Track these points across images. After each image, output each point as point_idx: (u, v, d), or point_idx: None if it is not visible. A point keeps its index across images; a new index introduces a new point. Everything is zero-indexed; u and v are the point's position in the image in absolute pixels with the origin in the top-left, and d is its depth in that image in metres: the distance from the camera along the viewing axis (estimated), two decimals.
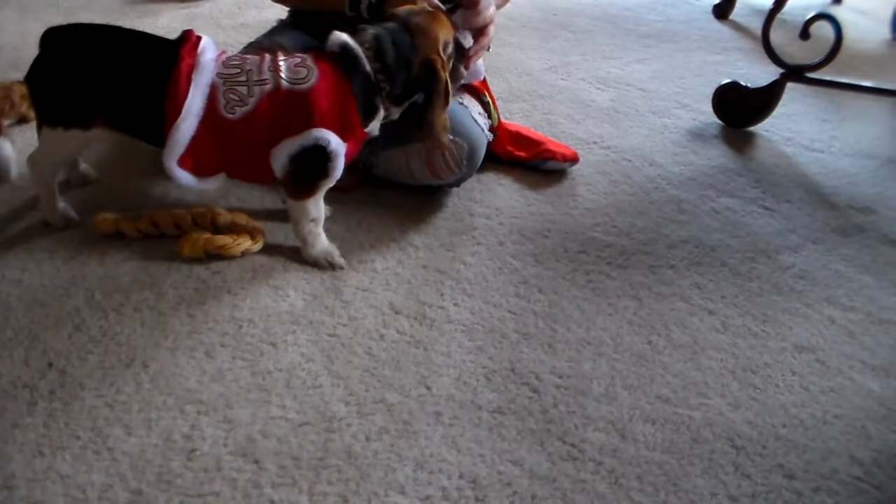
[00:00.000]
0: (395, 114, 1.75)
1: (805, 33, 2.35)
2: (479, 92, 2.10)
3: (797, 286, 1.82)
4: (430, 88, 1.68)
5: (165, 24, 2.97)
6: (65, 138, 1.65)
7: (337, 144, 1.61)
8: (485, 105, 2.09)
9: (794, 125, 2.61)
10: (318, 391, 1.42)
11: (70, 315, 1.55)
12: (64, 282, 1.63)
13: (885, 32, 3.62)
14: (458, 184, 1.98)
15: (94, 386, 1.39)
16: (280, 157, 1.61)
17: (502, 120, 2.19)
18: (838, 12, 3.65)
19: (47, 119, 1.66)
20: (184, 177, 1.61)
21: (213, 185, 1.67)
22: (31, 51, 2.36)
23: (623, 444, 1.38)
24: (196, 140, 1.58)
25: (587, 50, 3.13)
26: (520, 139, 2.20)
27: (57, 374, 1.41)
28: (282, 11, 2.22)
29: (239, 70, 1.62)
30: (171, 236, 1.76)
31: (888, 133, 2.65)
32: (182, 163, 1.60)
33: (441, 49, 1.69)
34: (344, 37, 1.65)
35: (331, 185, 1.69)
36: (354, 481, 1.27)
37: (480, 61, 2.08)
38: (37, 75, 1.66)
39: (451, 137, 1.86)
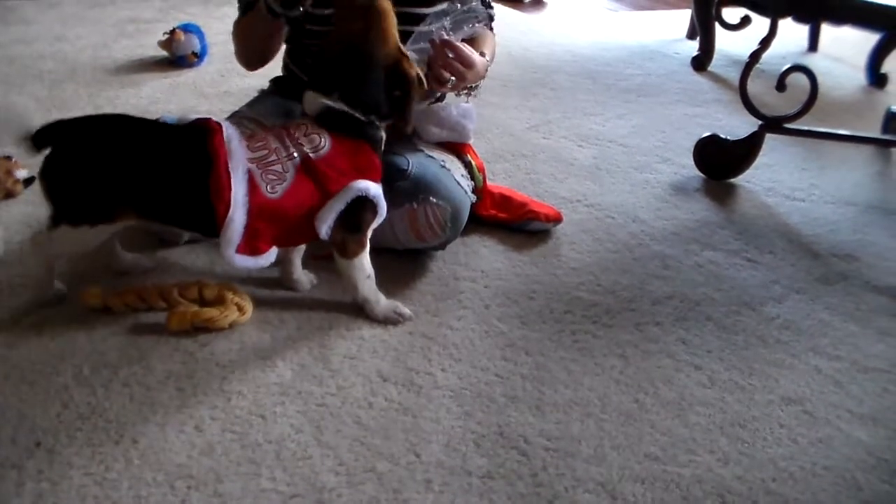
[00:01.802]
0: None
1: (781, 85, 2.39)
2: (461, 153, 2.11)
3: (782, 337, 1.83)
4: (403, 90, 1.71)
5: (148, 94, 2.99)
6: (88, 234, 1.66)
7: (376, 188, 1.69)
8: (468, 166, 2.10)
9: (775, 175, 2.63)
10: (307, 462, 1.42)
11: (58, 392, 1.55)
12: (52, 358, 1.63)
13: (861, 78, 3.67)
14: (442, 247, 2.00)
15: (82, 464, 1.39)
16: (327, 219, 1.66)
17: (487, 183, 2.20)
18: (814, 60, 3.72)
19: (70, 217, 1.65)
20: (243, 261, 1.65)
21: (269, 260, 1.69)
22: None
23: None
24: (248, 226, 1.61)
25: (567, 107, 3.16)
26: (503, 201, 2.21)
27: (45, 453, 1.41)
28: (264, 80, 2.25)
29: (266, 150, 1.65)
30: (158, 310, 1.76)
31: (867, 179, 2.68)
32: (239, 249, 1.63)
33: (398, 42, 1.72)
34: (319, 99, 1.69)
35: (376, 226, 1.75)
36: None
37: (471, 124, 2.10)
38: (54, 173, 1.65)
39: (433, 200, 1.87)
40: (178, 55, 3.31)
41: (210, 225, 1.60)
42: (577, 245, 2.16)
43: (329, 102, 1.68)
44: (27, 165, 2.28)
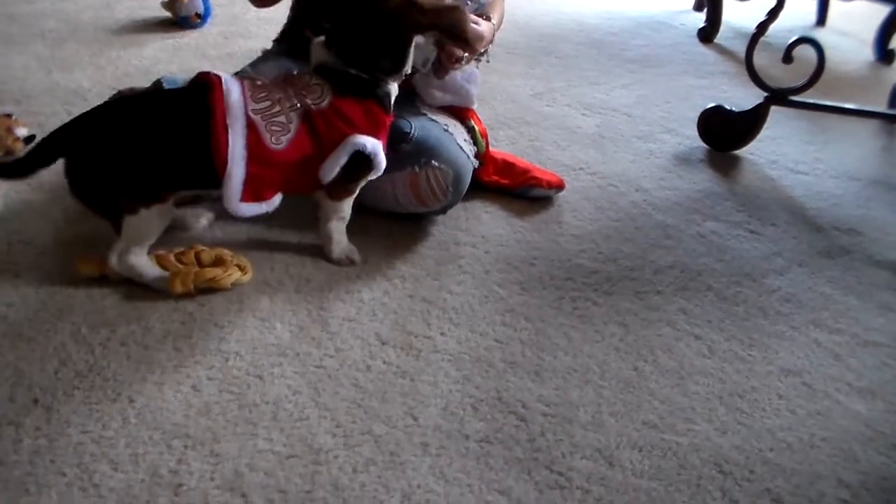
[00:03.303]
0: (407, 70, 1.78)
1: (788, 57, 2.37)
2: (465, 118, 2.10)
3: (783, 309, 1.83)
4: (404, 34, 1.71)
5: (151, 55, 2.97)
6: (148, 218, 1.65)
7: (373, 145, 1.71)
8: (471, 131, 2.09)
9: (779, 148, 2.62)
10: (304, 423, 1.42)
11: (56, 350, 1.54)
12: (50, 316, 1.63)
13: (869, 54, 3.65)
14: (443, 211, 1.99)
15: (80, 422, 1.39)
16: (331, 169, 1.70)
17: (490, 148, 2.19)
18: (821, 34, 3.68)
19: (124, 208, 1.65)
20: (248, 210, 1.67)
21: (274, 205, 1.72)
22: (18, 83, 2.37)
23: (610, 471, 1.38)
24: (250, 177, 1.63)
25: (572, 76, 3.14)
26: (506, 167, 2.20)
27: (43, 411, 1.41)
28: (267, 41, 2.24)
29: (270, 101, 1.66)
30: None
31: (872, 154, 2.66)
32: (244, 198, 1.65)
33: None
34: (321, 52, 1.72)
35: (371, 178, 1.78)
36: None
37: (474, 89, 2.09)
38: (82, 184, 1.65)
39: (435, 164, 1.86)
40: (181, 16, 3.29)
41: (215, 180, 1.61)
42: (579, 213, 2.15)
43: (326, 59, 1.71)
44: (27, 123, 2.27)
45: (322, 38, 1.73)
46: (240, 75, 1.99)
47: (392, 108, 1.79)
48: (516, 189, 2.18)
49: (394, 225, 1.97)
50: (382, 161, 1.74)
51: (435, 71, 1.95)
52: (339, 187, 1.77)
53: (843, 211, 2.27)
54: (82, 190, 1.65)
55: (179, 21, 3.30)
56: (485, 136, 2.14)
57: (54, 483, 1.28)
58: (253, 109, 1.64)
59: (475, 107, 2.14)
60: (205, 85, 1.65)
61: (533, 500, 1.31)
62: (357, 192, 1.81)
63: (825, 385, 1.62)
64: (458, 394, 1.51)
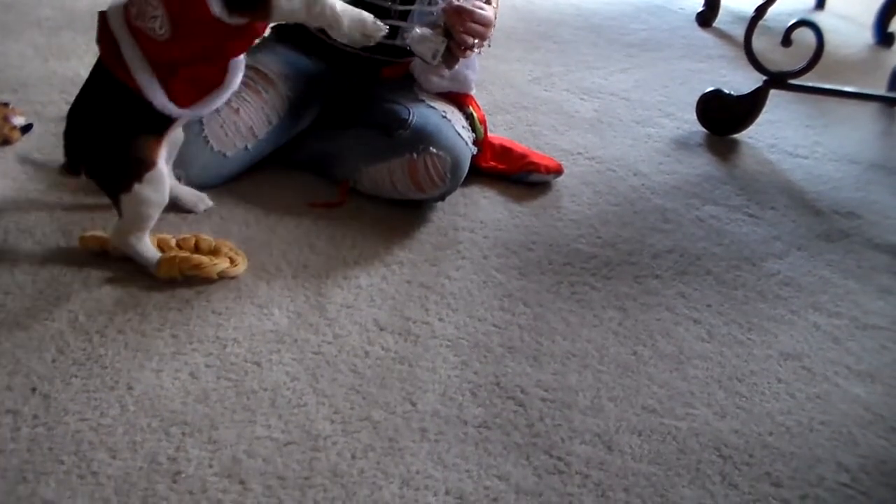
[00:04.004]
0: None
1: (787, 40, 2.36)
2: (463, 104, 2.10)
3: (782, 293, 1.83)
4: None
5: None
6: (141, 193, 1.64)
7: None
8: (469, 118, 2.08)
9: (778, 132, 2.61)
10: (303, 410, 1.42)
11: (53, 338, 1.54)
12: (47, 305, 1.62)
13: (868, 36, 3.64)
14: (441, 198, 1.98)
15: (77, 410, 1.39)
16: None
17: (488, 134, 2.18)
18: (820, 18, 3.68)
19: (115, 189, 1.66)
20: (195, 112, 1.67)
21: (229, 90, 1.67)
22: (13, 72, 2.36)
23: (610, 456, 1.38)
24: (166, 77, 1.58)
25: (570, 60, 3.13)
26: (503, 152, 2.20)
27: (40, 399, 1.40)
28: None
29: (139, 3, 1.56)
30: None
31: (871, 137, 2.66)
32: (181, 102, 1.61)
33: None
34: None
35: None
36: (340, 500, 1.26)
37: (473, 74, 2.08)
38: (82, 151, 1.67)
39: (433, 151, 1.86)
40: None
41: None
42: (578, 197, 2.15)
43: None
44: (24, 112, 2.26)
45: None
46: None
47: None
48: (514, 174, 2.17)
49: (391, 210, 1.97)
50: None
51: (445, 61, 1.93)
52: None
53: (843, 194, 2.27)
54: (82, 168, 1.68)
55: None
56: (483, 122, 2.13)
57: (52, 471, 1.28)
58: (131, 16, 1.56)
59: (473, 93, 2.13)
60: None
61: (532, 485, 1.31)
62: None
63: (824, 368, 1.62)
64: (456, 379, 1.51)
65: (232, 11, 1.52)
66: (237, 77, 1.68)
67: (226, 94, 1.68)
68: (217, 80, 1.65)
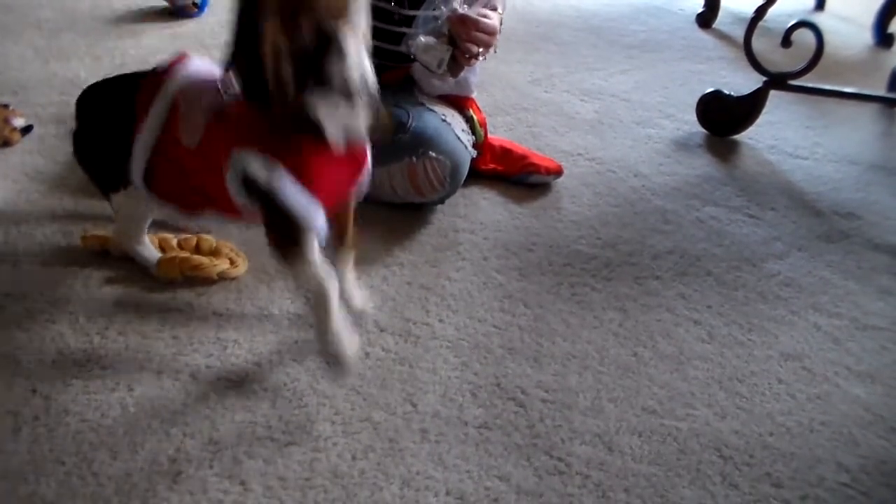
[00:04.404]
0: (317, 101, 1.24)
1: (787, 41, 2.36)
2: (463, 107, 2.10)
3: (782, 294, 1.83)
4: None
5: (148, 45, 2.96)
6: (129, 199, 1.60)
7: (269, 174, 1.28)
8: (469, 121, 2.09)
9: (778, 132, 2.61)
10: (303, 411, 1.42)
11: (54, 339, 1.54)
12: (48, 306, 1.62)
13: (868, 37, 3.64)
14: (441, 201, 1.98)
15: (78, 411, 1.39)
16: (232, 189, 1.35)
17: (488, 136, 2.18)
18: (820, 19, 3.67)
19: (105, 188, 1.63)
20: (160, 207, 1.56)
21: (196, 220, 1.58)
22: (14, 73, 2.36)
23: (610, 457, 1.38)
24: (161, 167, 1.49)
25: (570, 62, 3.13)
26: (503, 154, 2.20)
27: (41, 400, 1.41)
28: None
29: (199, 91, 1.42)
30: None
31: (871, 138, 2.65)
32: (153, 187, 1.52)
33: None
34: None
35: (313, 238, 1.35)
36: (341, 501, 1.27)
37: (473, 77, 2.08)
38: (78, 148, 1.65)
39: (433, 154, 1.86)
40: (178, 5, 3.27)
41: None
42: (578, 198, 2.15)
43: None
44: (25, 114, 2.26)
45: None
46: None
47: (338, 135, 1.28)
48: (514, 176, 2.17)
49: (391, 212, 1.97)
50: (296, 203, 1.28)
51: (450, 70, 1.93)
52: (273, 237, 1.38)
53: (843, 195, 2.27)
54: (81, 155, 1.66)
55: (176, 10, 3.28)
56: (483, 125, 2.13)
57: (53, 472, 1.28)
58: (184, 97, 1.44)
59: (474, 95, 2.13)
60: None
61: (532, 486, 1.31)
62: (308, 259, 1.35)
63: (824, 369, 1.62)
64: (456, 380, 1.51)
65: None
66: (207, 220, 1.58)
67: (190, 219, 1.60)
68: (191, 203, 1.53)
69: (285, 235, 1.34)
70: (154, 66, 1.53)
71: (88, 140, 1.63)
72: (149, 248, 1.70)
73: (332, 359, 1.41)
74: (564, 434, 1.42)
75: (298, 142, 1.27)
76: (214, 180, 1.38)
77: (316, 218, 1.30)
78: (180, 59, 1.52)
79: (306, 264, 1.35)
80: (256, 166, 1.28)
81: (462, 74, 2.00)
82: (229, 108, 1.35)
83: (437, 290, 1.75)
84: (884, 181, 2.36)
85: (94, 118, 1.61)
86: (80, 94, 1.63)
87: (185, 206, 1.54)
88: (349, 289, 1.58)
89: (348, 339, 1.41)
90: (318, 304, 1.38)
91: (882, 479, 1.38)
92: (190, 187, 1.48)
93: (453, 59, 1.89)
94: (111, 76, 1.64)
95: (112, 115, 1.55)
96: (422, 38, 1.85)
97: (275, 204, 1.28)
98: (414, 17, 1.94)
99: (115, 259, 1.73)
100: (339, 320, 1.40)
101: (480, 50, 1.89)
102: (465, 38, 1.84)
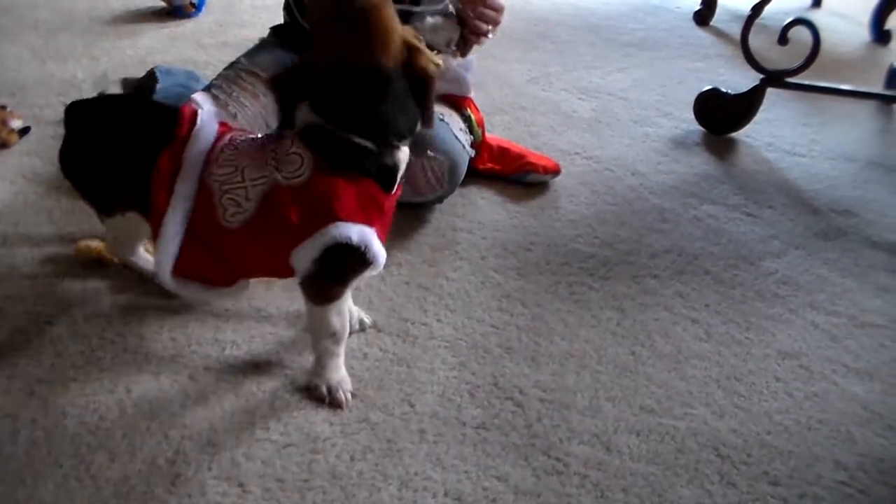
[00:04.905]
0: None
1: (783, 38, 2.36)
2: (461, 107, 2.09)
3: (780, 292, 1.83)
4: (421, 89, 1.34)
5: (146, 45, 2.96)
6: (122, 223, 1.54)
7: (361, 235, 1.31)
8: (467, 120, 2.08)
9: (776, 130, 2.61)
10: (302, 412, 1.42)
11: (52, 342, 1.54)
12: (46, 309, 1.62)
13: (865, 34, 3.64)
14: (439, 201, 1.98)
15: (76, 413, 1.39)
16: (302, 259, 1.33)
17: (486, 135, 2.18)
18: (817, 16, 3.67)
19: (98, 209, 1.55)
20: (183, 289, 1.45)
21: (228, 295, 1.50)
22: (12, 75, 2.36)
23: (608, 456, 1.38)
24: (189, 252, 1.39)
25: (568, 60, 3.13)
26: (501, 153, 2.20)
27: (39, 403, 1.41)
28: (262, 29, 2.22)
29: (233, 168, 1.35)
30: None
31: (868, 136, 2.66)
32: (177, 272, 1.41)
33: (402, 35, 1.30)
34: (307, 112, 1.33)
35: (363, 277, 1.41)
36: (339, 502, 1.27)
37: (471, 76, 2.08)
38: (67, 161, 1.52)
39: (430, 154, 1.86)
40: (175, 5, 3.27)
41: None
42: (575, 197, 2.15)
43: (314, 120, 1.32)
44: (22, 115, 2.26)
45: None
46: (235, 67, 1.98)
47: (398, 179, 1.40)
48: (512, 175, 2.17)
49: None
50: (379, 253, 1.35)
51: (459, 48, 1.92)
52: (318, 287, 1.39)
53: (840, 193, 2.27)
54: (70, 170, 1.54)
55: (174, 10, 3.28)
56: (481, 124, 2.13)
57: (51, 474, 1.28)
58: (213, 175, 1.36)
59: (471, 95, 2.13)
60: (175, 121, 1.42)
61: (530, 486, 1.32)
62: (344, 300, 1.42)
63: (822, 367, 1.62)
64: (454, 380, 1.52)
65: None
66: (238, 296, 1.54)
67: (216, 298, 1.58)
68: (219, 281, 1.47)
69: (336, 279, 1.39)
70: (168, 107, 1.49)
71: (81, 163, 1.51)
72: (144, 257, 1.68)
73: (327, 392, 1.45)
74: (562, 434, 1.42)
75: (376, 194, 1.35)
76: (261, 255, 1.39)
77: (383, 259, 1.37)
78: (192, 114, 1.43)
79: (342, 300, 1.41)
80: (353, 233, 1.31)
81: (456, 70, 2.00)
82: (291, 184, 1.32)
83: (435, 289, 1.75)
84: (881, 178, 2.36)
85: (88, 142, 1.49)
86: (68, 109, 1.53)
87: (214, 283, 1.46)
88: (353, 308, 1.62)
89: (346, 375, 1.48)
90: (335, 341, 1.43)
91: (880, 477, 1.39)
92: (222, 264, 1.43)
93: (462, 38, 1.88)
94: (103, 95, 1.61)
95: (109, 143, 1.46)
96: (429, 19, 1.84)
97: (346, 257, 1.33)
98: None
99: (111, 265, 1.73)
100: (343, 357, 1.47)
101: (489, 28, 1.88)
102: (473, 16, 1.84)
